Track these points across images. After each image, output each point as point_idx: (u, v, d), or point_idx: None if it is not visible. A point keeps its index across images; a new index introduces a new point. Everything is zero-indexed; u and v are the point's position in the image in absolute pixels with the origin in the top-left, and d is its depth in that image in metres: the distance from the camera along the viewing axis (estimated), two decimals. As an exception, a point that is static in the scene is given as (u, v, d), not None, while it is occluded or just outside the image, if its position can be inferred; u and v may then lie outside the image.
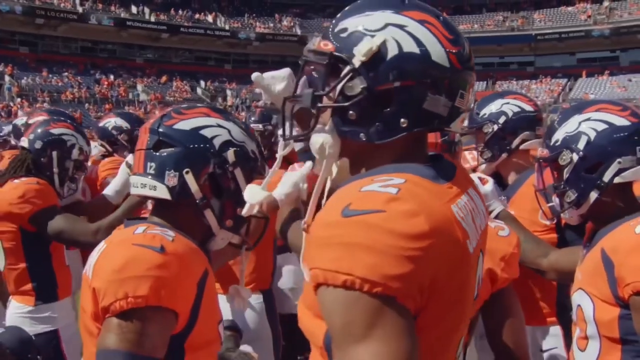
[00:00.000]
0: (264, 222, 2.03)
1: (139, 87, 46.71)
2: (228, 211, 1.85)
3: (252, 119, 5.44)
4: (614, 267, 1.83)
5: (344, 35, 1.28)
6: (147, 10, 50.64)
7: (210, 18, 53.53)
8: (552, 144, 2.14)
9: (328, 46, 1.28)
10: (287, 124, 1.40)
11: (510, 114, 2.97)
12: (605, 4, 53.31)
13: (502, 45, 53.72)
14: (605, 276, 1.85)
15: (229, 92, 49.70)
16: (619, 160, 1.99)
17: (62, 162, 3.36)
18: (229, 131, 1.85)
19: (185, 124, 1.81)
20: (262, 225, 2.05)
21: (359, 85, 1.24)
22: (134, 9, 50.28)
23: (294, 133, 1.42)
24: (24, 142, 3.37)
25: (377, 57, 1.23)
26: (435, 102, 1.25)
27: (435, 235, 1.10)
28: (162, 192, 1.76)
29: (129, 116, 4.94)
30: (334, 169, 1.41)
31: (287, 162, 3.87)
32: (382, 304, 1.05)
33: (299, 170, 2.50)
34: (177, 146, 1.77)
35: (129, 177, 2.93)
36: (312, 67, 1.34)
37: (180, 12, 52.71)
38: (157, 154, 1.78)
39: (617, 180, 2.00)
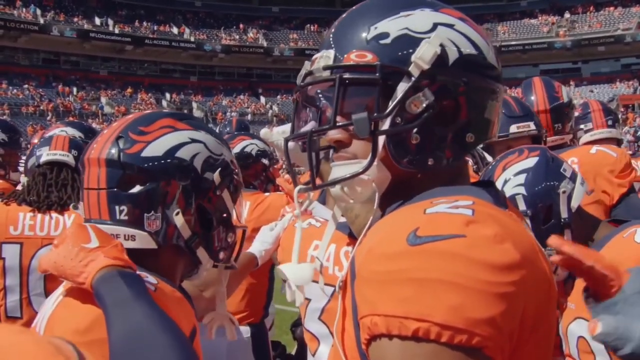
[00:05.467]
0: (241, 233, 1.70)
1: (103, 99, 45.98)
2: (220, 242, 1.56)
3: (228, 129, 5.19)
4: None
5: (385, 41, 1.04)
6: (110, 21, 50.01)
7: (175, 30, 53.10)
8: None
9: (367, 57, 1.04)
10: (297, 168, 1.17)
11: None
12: (567, 16, 54.40)
13: (467, 56, 54.04)
14: None
15: (194, 105, 49.22)
16: (562, 190, 1.94)
17: None
18: (205, 144, 1.52)
19: (155, 148, 1.45)
20: (240, 238, 1.72)
21: (423, 100, 1.02)
22: (97, 20, 49.60)
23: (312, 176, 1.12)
24: None
25: (437, 63, 1.03)
26: (493, 108, 1.10)
27: (526, 266, 0.88)
28: (145, 241, 1.43)
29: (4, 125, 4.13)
30: (337, 211, 1.18)
31: (270, 181, 3.69)
32: (465, 358, 0.83)
33: (279, 224, 2.37)
34: (152, 180, 1.43)
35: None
36: (332, 87, 1.06)
37: (144, 23, 52.15)
38: (127, 192, 1.42)
39: (575, 203, 1.96)
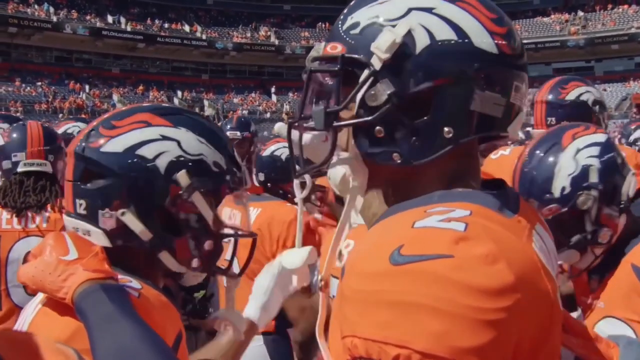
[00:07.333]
0: (252, 242, 1.58)
1: (115, 97, 46.15)
2: (193, 249, 1.43)
3: (229, 126, 5.20)
4: None
5: (355, 31, 1.00)
6: (123, 19, 50.17)
7: (187, 28, 53.22)
8: (559, 195, 1.86)
9: (337, 49, 1.01)
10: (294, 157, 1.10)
11: None
12: (580, 14, 54.04)
13: (479, 55, 53.97)
14: None
15: (206, 102, 49.28)
16: (632, 172, 1.86)
17: None
18: (179, 143, 1.41)
19: (116, 144, 1.38)
20: (250, 247, 1.60)
21: (384, 91, 0.96)
22: (109, 19, 49.78)
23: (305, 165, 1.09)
24: None
25: (402, 52, 0.95)
26: (484, 100, 0.97)
27: (522, 288, 0.81)
28: (98, 238, 1.37)
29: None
30: (358, 205, 1.09)
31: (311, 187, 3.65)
32: None
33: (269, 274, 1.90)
34: (108, 176, 1.38)
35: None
36: (320, 80, 1.05)
37: (156, 21, 52.29)
38: (85, 187, 1.39)
39: (631, 192, 1.87)
